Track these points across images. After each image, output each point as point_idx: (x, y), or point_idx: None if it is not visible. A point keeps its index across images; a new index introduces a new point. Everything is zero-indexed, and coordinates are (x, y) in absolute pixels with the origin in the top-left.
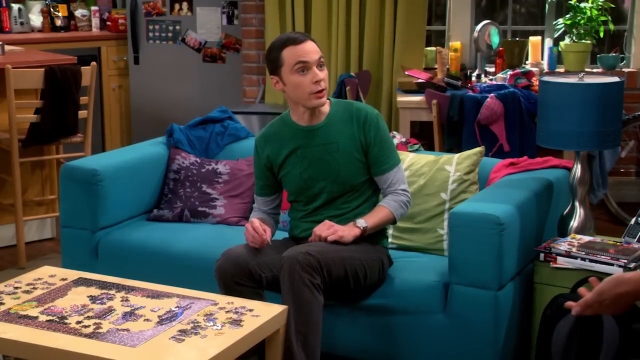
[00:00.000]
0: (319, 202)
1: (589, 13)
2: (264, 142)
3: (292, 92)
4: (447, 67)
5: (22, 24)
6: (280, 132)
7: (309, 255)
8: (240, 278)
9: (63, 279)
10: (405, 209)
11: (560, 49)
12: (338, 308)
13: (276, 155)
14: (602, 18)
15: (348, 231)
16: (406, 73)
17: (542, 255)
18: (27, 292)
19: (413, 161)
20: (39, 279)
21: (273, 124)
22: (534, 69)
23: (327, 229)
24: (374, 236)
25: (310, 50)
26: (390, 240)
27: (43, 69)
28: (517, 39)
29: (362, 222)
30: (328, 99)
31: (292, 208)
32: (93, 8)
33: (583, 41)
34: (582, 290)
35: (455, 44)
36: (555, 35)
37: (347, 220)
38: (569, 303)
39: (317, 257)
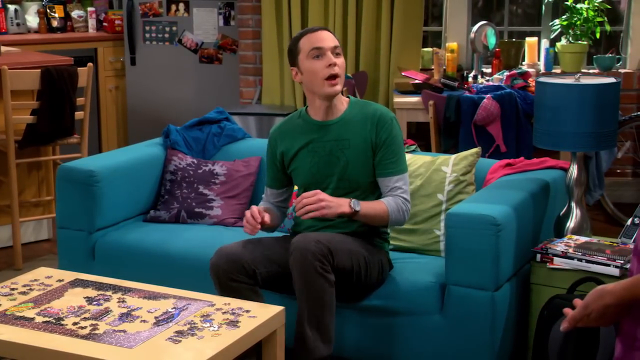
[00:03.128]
0: None
1: (585, 14)
2: (278, 137)
3: (307, 79)
4: (444, 68)
5: (18, 24)
6: (295, 126)
7: (320, 243)
8: (234, 274)
9: (59, 280)
10: (402, 217)
11: (556, 50)
12: (336, 308)
13: (289, 149)
14: (599, 19)
15: (335, 208)
16: (403, 74)
17: (538, 256)
18: (24, 293)
19: (410, 162)
20: (36, 280)
21: (290, 118)
22: (530, 70)
23: (313, 202)
24: (376, 239)
25: (325, 37)
26: None
27: (39, 70)
28: (514, 39)
29: (356, 205)
30: (348, 96)
31: None
32: (89, 9)
33: (579, 42)
34: (567, 310)
35: (452, 44)
36: (552, 36)
37: (352, 220)
38: (567, 310)
39: (327, 245)
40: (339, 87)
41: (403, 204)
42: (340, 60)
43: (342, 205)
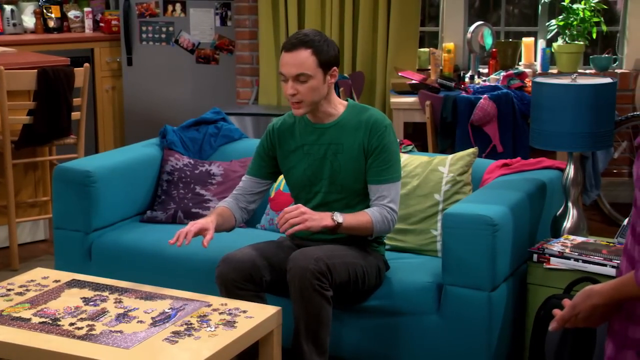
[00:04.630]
0: (316, 202)
1: (581, 14)
2: (277, 131)
3: None
4: (441, 68)
5: (14, 25)
6: (294, 125)
7: (319, 260)
8: (242, 283)
9: (56, 281)
10: (387, 227)
11: (553, 50)
12: (333, 310)
13: (285, 147)
14: (595, 19)
15: (318, 222)
16: (399, 74)
17: (535, 256)
18: (20, 294)
19: (407, 162)
20: (32, 280)
21: (291, 114)
22: (527, 70)
23: (296, 216)
24: (372, 243)
25: (288, 62)
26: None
27: (36, 71)
28: (510, 40)
29: (339, 217)
30: (347, 99)
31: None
32: (86, 9)
33: (576, 42)
34: (556, 311)
35: (449, 45)
36: (548, 37)
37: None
38: (556, 310)
39: (325, 262)
40: (301, 111)
41: (388, 214)
42: (302, 87)
43: (324, 218)
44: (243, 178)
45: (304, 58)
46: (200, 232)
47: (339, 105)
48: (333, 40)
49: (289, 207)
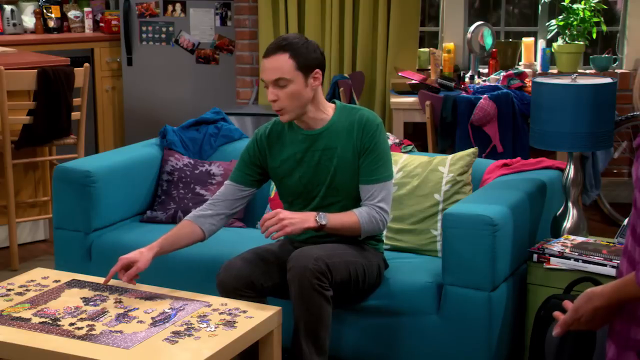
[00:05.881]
0: (312, 207)
1: (581, 14)
2: (266, 140)
3: None
4: (441, 68)
5: (14, 25)
6: (283, 134)
7: (319, 260)
8: (243, 290)
9: (56, 281)
10: (376, 227)
11: (553, 50)
12: (333, 310)
13: (276, 157)
14: (595, 19)
15: (300, 224)
16: (399, 74)
17: (535, 256)
18: (20, 294)
19: (406, 162)
20: (32, 280)
21: (278, 123)
22: (527, 70)
23: (275, 223)
24: (371, 241)
25: (268, 68)
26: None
27: (36, 71)
28: (510, 40)
29: (322, 219)
30: (333, 101)
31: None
32: (86, 9)
33: (576, 42)
34: (557, 313)
35: (449, 45)
36: (548, 37)
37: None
38: (557, 313)
39: (325, 262)
40: (285, 117)
41: (377, 214)
42: (282, 92)
43: (307, 220)
44: (225, 183)
45: (282, 62)
46: (129, 266)
47: (328, 109)
48: (317, 44)
49: (268, 214)
